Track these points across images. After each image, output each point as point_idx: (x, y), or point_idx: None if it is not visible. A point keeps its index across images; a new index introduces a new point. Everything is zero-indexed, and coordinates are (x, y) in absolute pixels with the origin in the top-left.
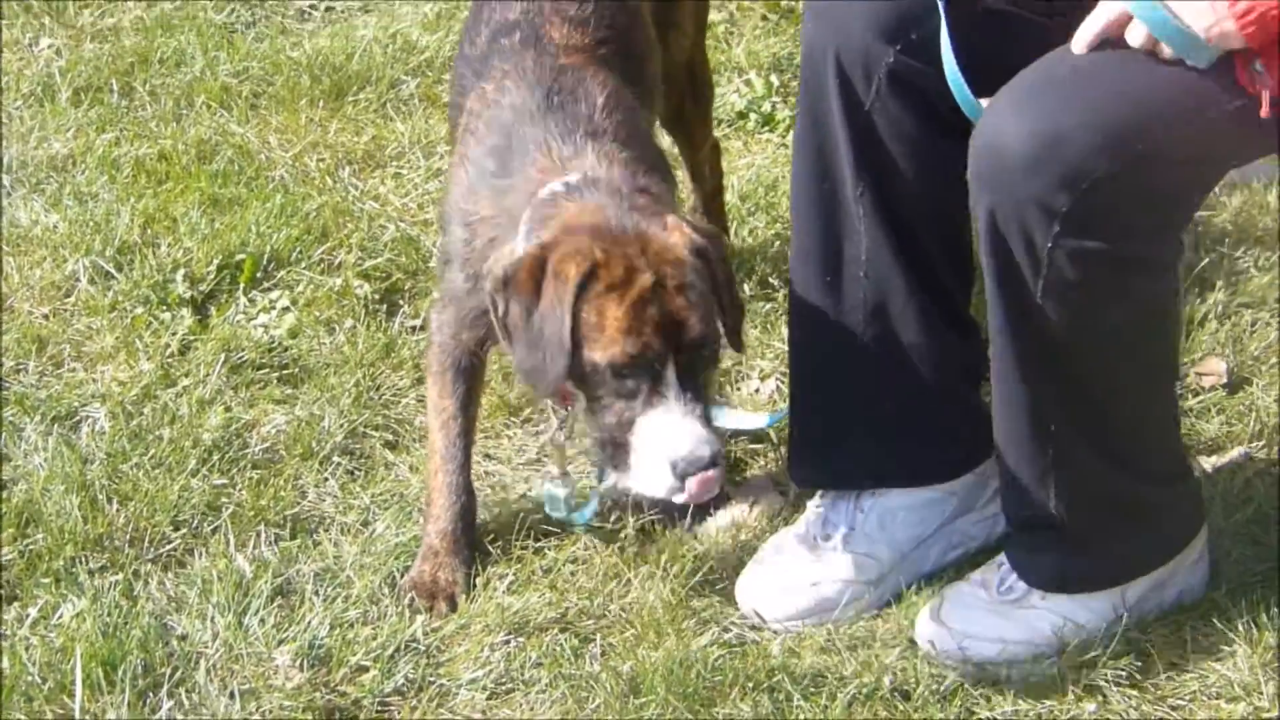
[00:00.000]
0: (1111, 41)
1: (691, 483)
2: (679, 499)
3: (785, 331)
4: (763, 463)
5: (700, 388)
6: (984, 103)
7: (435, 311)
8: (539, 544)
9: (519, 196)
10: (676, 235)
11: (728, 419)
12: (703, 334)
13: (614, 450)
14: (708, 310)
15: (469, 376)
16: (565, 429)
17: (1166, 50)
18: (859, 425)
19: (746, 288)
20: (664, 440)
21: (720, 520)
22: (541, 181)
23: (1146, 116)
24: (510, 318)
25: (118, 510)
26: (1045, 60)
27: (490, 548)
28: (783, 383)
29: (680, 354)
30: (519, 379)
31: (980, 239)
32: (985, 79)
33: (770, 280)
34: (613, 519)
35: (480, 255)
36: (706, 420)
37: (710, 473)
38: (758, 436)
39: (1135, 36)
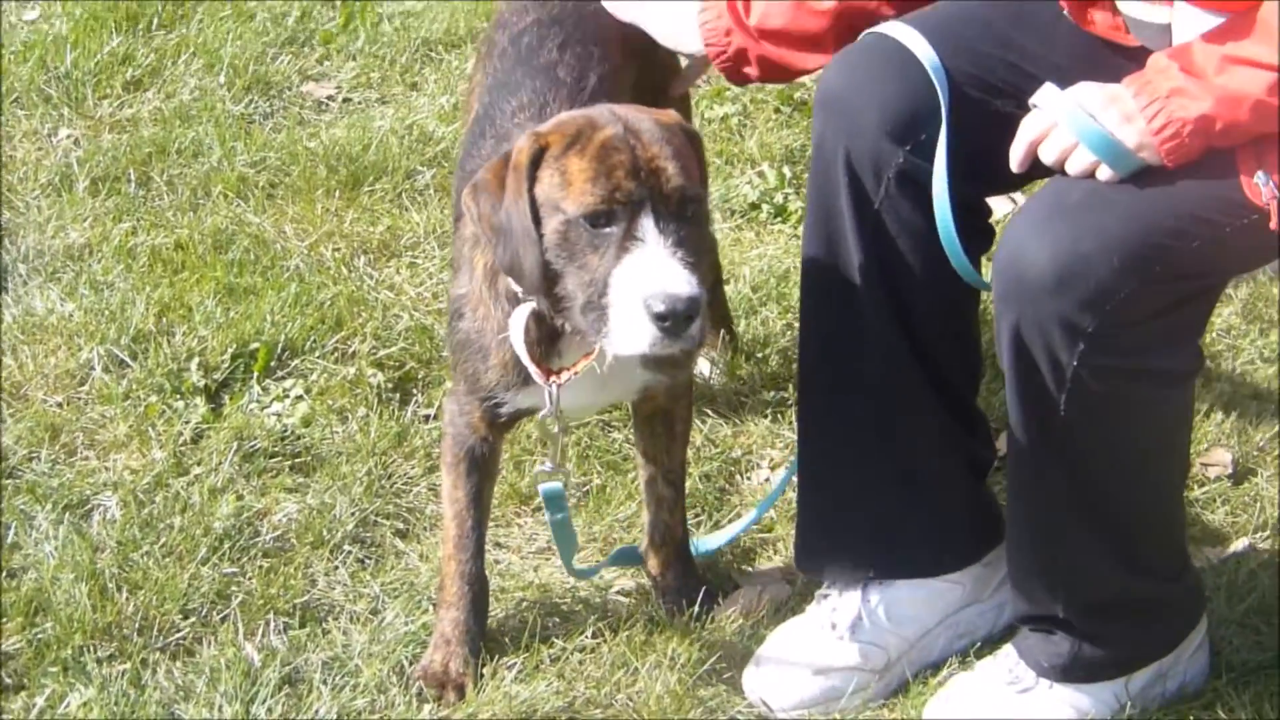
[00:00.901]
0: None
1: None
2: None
3: (795, 422)
4: (770, 553)
5: (685, 238)
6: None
7: (448, 401)
8: (547, 632)
9: None
10: (653, 110)
11: (718, 537)
12: (683, 184)
13: (595, 314)
14: (687, 166)
15: (482, 466)
16: (554, 408)
17: (1105, 172)
18: (866, 516)
19: (757, 377)
20: (638, 281)
21: (728, 610)
22: None
23: (1161, 237)
24: (483, 222)
25: (127, 599)
26: (1056, 184)
27: (499, 635)
28: (792, 472)
29: (660, 204)
30: (507, 275)
31: (1002, 353)
32: (994, 178)
33: (781, 371)
34: (622, 611)
35: (471, 263)
36: (691, 268)
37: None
38: (767, 526)
39: (1050, 152)
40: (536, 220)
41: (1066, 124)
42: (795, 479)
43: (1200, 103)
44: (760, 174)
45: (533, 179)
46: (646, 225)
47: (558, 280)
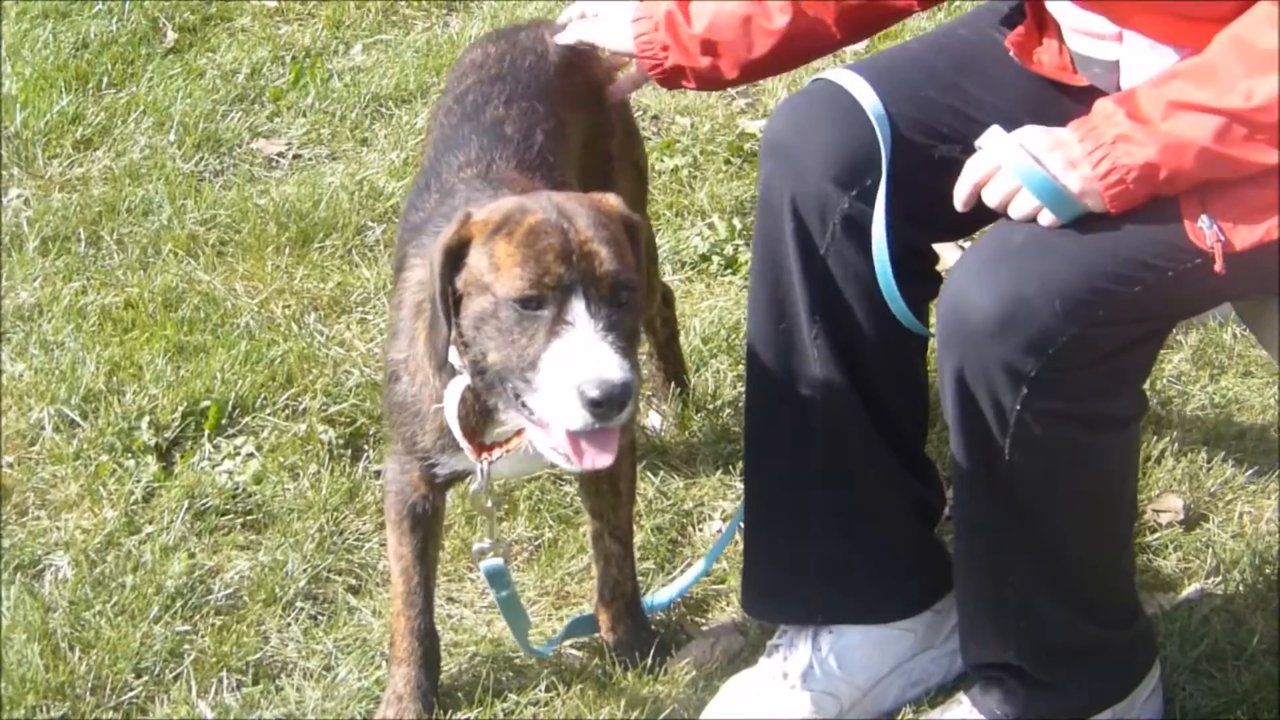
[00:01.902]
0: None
1: (586, 447)
2: (581, 460)
3: (743, 467)
4: (723, 604)
5: (617, 323)
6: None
7: (389, 460)
8: (500, 686)
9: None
10: (592, 196)
11: (666, 592)
12: (617, 269)
13: (523, 394)
14: (622, 252)
15: (425, 523)
16: (484, 483)
17: (1047, 217)
18: (814, 564)
19: (708, 429)
20: (568, 366)
21: (681, 662)
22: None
23: (1103, 282)
24: (429, 300)
25: (79, 658)
26: (1000, 228)
27: (452, 690)
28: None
29: (592, 288)
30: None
31: (946, 397)
32: (939, 224)
33: (732, 423)
34: (576, 665)
35: (411, 331)
36: (622, 353)
37: (611, 429)
38: (719, 578)
39: (994, 195)
40: (456, 302)
41: (1010, 168)
42: (743, 523)
43: (1145, 149)
44: (710, 226)
45: (454, 265)
46: (578, 309)
47: (484, 358)
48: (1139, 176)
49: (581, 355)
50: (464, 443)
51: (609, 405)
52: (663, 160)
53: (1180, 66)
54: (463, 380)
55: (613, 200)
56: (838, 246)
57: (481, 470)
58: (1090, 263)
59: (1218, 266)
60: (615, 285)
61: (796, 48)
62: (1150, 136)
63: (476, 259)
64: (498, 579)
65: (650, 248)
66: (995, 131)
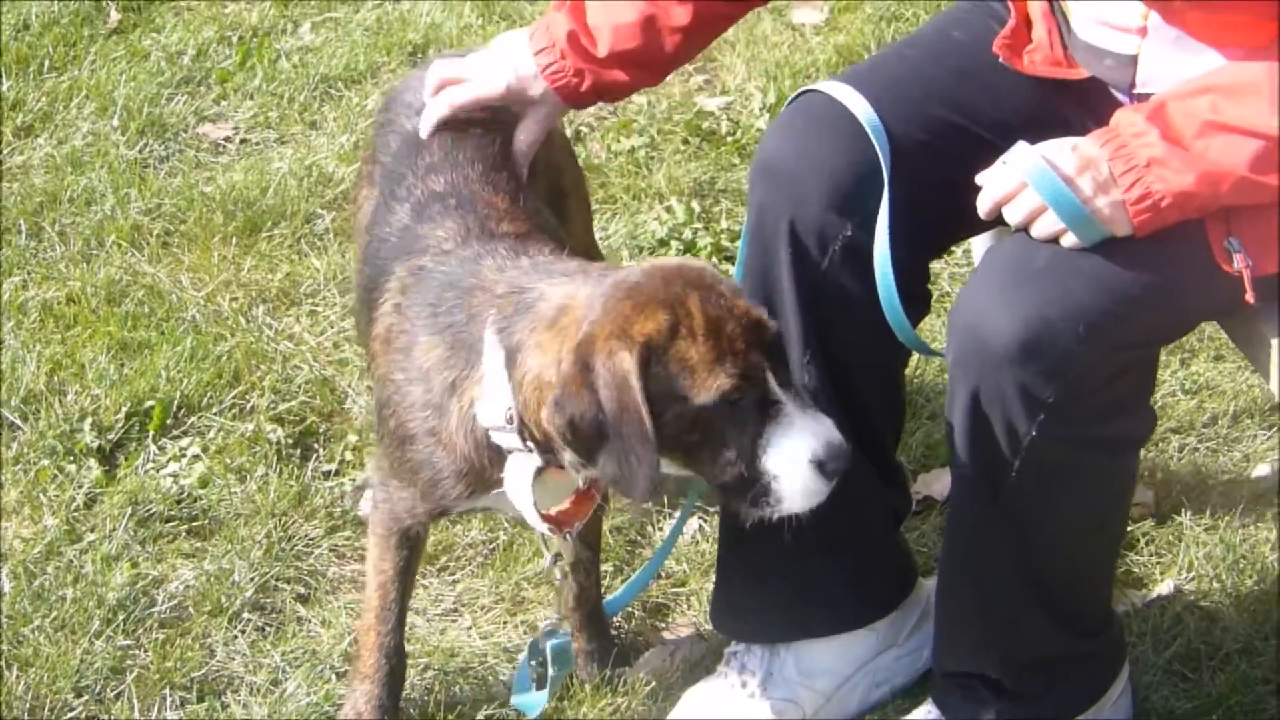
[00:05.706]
0: None
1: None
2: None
3: None
4: (684, 607)
5: (790, 379)
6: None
7: (382, 488)
8: (454, 700)
9: (474, 325)
10: (669, 260)
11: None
12: (776, 327)
13: (750, 488)
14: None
15: (413, 544)
16: (561, 563)
17: (1070, 239)
18: (789, 578)
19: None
20: (801, 447)
21: (640, 671)
22: (491, 300)
23: (1128, 306)
24: (578, 439)
25: (17, 677)
26: (1018, 245)
27: (403, 704)
28: (705, 521)
29: (771, 356)
30: (612, 491)
31: (955, 417)
32: (938, 243)
33: None
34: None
35: (441, 406)
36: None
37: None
38: (680, 580)
39: (1016, 213)
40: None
41: (1037, 187)
42: (716, 537)
43: (1183, 177)
44: (668, 209)
45: (648, 372)
46: (774, 385)
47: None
48: (1171, 204)
49: (805, 432)
50: (541, 525)
51: (839, 465)
52: (619, 141)
53: (1215, 79)
54: (530, 461)
55: (690, 259)
56: (835, 273)
57: (567, 541)
58: (1114, 286)
59: (1248, 296)
60: (777, 340)
61: (706, 31)
62: (1187, 164)
63: (660, 371)
64: (561, 657)
65: None
66: (1022, 147)
